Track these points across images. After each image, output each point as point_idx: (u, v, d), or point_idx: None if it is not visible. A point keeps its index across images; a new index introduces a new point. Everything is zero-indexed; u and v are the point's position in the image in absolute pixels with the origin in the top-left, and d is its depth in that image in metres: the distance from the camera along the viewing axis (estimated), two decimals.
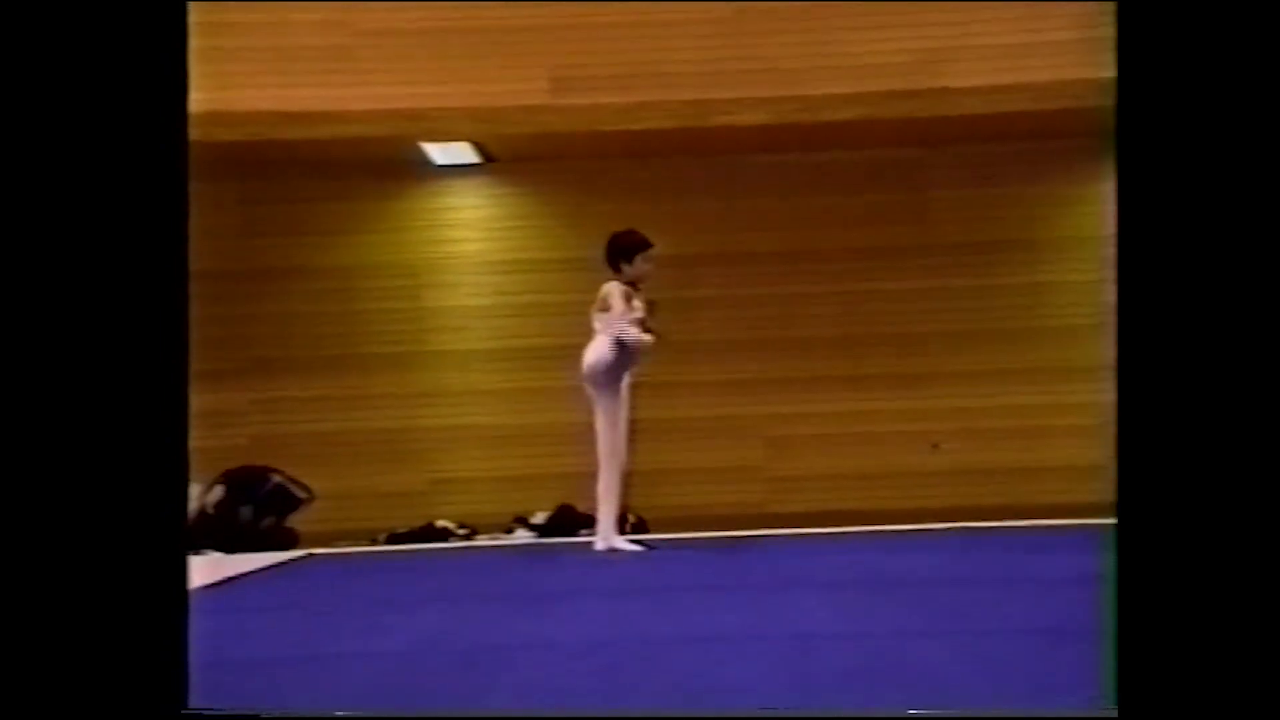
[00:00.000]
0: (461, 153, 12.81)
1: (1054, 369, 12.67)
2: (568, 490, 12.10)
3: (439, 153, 12.82)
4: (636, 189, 12.62)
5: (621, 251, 9.47)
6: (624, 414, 9.51)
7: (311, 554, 10.95)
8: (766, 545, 10.06)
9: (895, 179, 12.93)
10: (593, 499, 9.72)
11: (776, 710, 3.87)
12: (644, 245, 9.49)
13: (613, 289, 9.40)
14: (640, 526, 11.54)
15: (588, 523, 10.90)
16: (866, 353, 12.85)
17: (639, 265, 9.46)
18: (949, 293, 12.82)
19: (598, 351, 9.39)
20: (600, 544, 9.53)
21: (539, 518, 12.51)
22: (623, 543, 9.56)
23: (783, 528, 11.51)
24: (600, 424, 9.43)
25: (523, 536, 12.39)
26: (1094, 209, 12.55)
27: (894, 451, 12.74)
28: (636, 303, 9.44)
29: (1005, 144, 12.54)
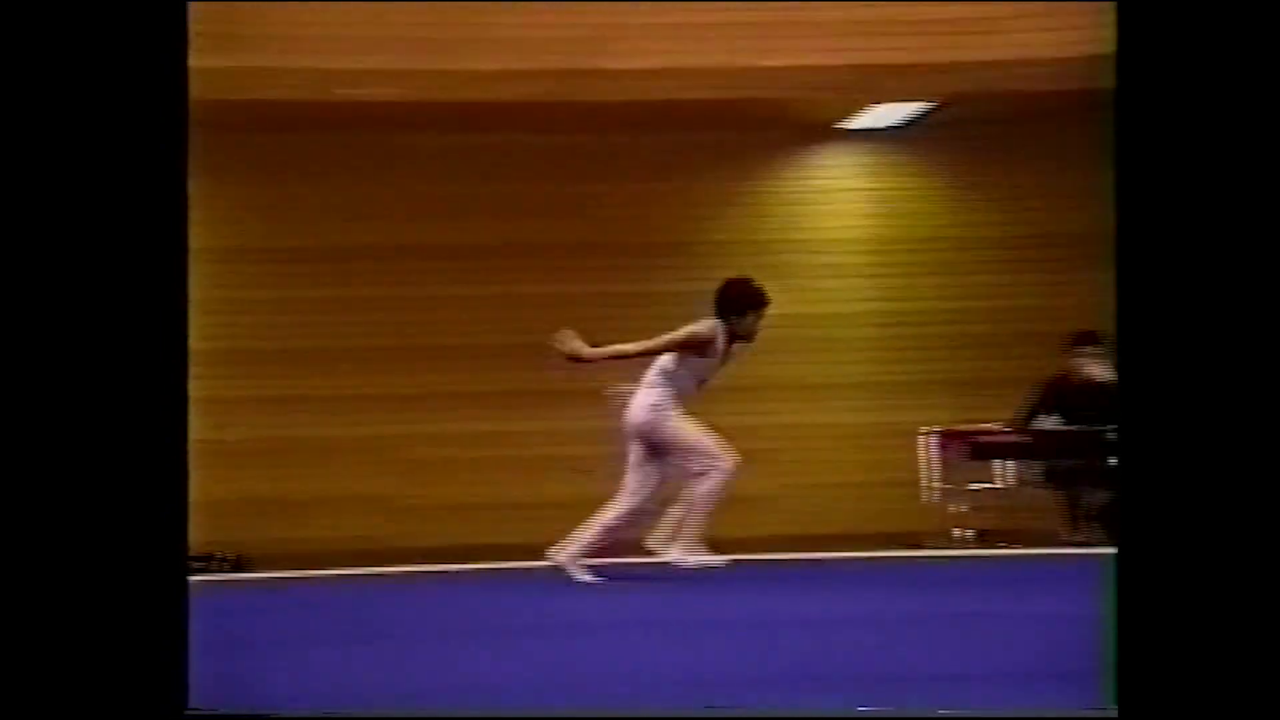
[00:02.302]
0: None
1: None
2: None
3: None
4: (241, 169, 11.63)
5: (731, 303, 8.78)
6: (687, 430, 8.71)
7: None
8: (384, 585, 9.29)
9: (549, 168, 12.31)
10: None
11: (774, 710, 4.13)
12: (759, 301, 8.81)
13: (697, 331, 8.71)
14: (239, 565, 10.44)
15: None
16: (501, 364, 11.94)
17: (750, 320, 8.79)
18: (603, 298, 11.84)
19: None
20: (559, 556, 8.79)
21: None
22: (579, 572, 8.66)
23: (410, 564, 10.40)
24: (670, 459, 8.74)
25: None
26: (751, 210, 12.38)
27: (543, 479, 11.81)
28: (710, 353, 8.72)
29: (667, 135, 12.12)
